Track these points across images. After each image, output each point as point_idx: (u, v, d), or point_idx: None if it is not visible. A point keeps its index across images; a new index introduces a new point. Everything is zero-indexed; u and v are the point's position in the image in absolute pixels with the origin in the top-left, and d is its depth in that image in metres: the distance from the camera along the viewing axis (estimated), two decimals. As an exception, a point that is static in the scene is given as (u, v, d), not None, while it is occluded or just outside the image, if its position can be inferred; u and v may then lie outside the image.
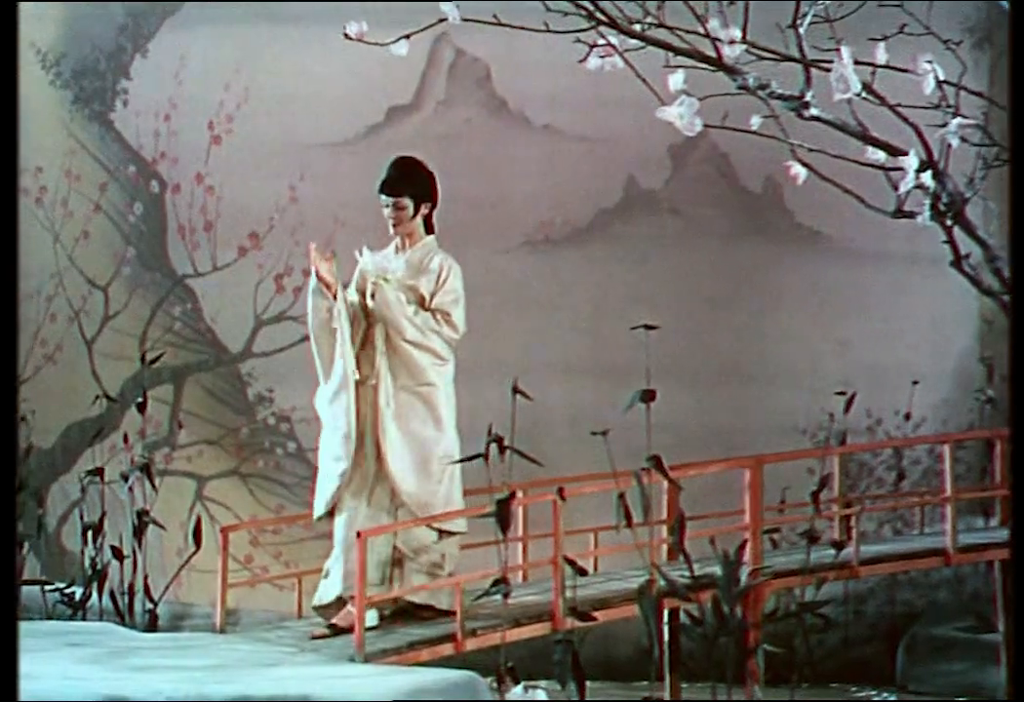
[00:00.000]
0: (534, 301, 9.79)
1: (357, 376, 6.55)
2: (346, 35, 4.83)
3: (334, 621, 6.63)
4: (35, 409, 10.05)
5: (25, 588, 8.54)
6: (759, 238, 9.74)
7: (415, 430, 6.54)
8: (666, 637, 7.37)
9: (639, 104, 9.82)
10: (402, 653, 6.18)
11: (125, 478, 8.68)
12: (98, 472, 8.92)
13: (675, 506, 7.12)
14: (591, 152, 9.72)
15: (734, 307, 9.66)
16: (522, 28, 4.89)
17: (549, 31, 4.86)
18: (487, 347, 9.76)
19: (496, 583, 5.76)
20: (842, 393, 7.83)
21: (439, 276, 6.70)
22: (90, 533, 8.59)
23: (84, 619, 8.08)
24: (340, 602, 6.65)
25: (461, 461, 6.30)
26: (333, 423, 6.63)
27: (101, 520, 8.65)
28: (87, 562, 8.30)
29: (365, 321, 6.65)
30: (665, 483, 6.88)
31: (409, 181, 6.73)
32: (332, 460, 6.64)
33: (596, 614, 6.22)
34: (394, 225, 6.76)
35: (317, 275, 6.55)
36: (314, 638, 6.57)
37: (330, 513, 6.70)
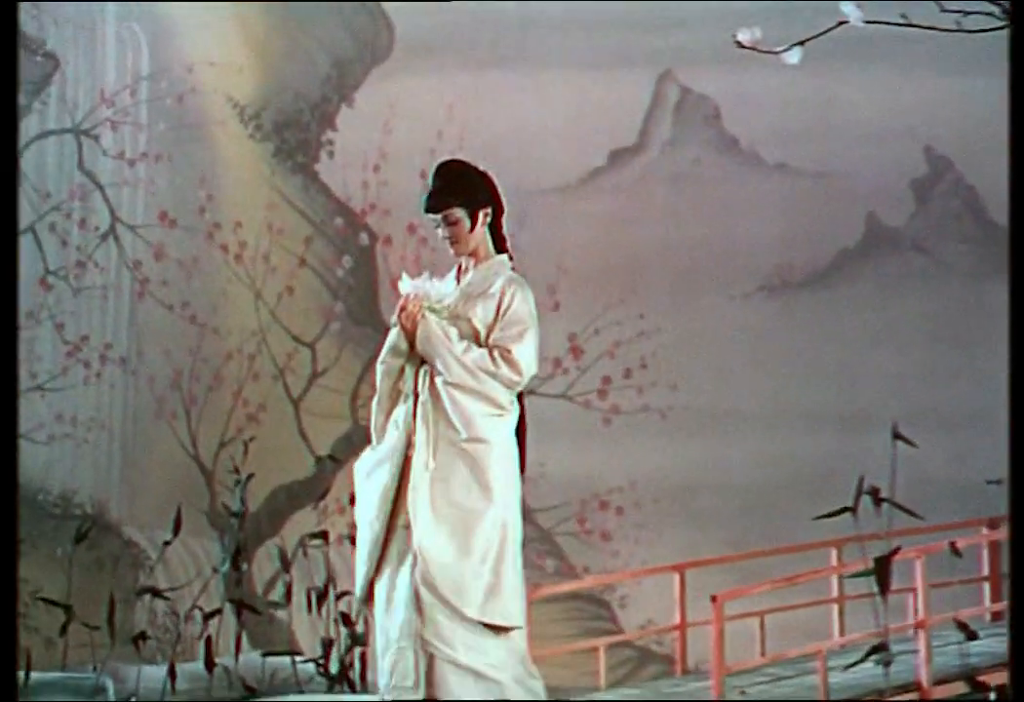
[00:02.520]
0: (773, 349, 9.38)
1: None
2: (738, 43, 4.44)
3: None
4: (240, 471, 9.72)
5: (269, 659, 8.15)
6: (1011, 276, 9.30)
7: (455, 497, 5.36)
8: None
9: (876, 136, 9.67)
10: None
11: (352, 541, 8.27)
12: (323, 535, 8.50)
13: (998, 562, 6.65)
14: (829, 189, 9.34)
15: (986, 350, 9.19)
16: (931, 28, 4.50)
17: (960, 30, 4.46)
18: (723, 397, 9.37)
19: (875, 650, 5.20)
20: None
21: (499, 303, 5.42)
22: (316, 599, 8.17)
23: (343, 691, 7.65)
24: None
25: (827, 516, 5.54)
26: (365, 500, 5.54)
27: (327, 586, 8.25)
28: (343, 632, 7.84)
29: (410, 363, 5.52)
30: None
31: (455, 188, 5.58)
32: (361, 543, 5.63)
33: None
34: (452, 244, 5.57)
35: (401, 324, 5.46)
36: None
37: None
